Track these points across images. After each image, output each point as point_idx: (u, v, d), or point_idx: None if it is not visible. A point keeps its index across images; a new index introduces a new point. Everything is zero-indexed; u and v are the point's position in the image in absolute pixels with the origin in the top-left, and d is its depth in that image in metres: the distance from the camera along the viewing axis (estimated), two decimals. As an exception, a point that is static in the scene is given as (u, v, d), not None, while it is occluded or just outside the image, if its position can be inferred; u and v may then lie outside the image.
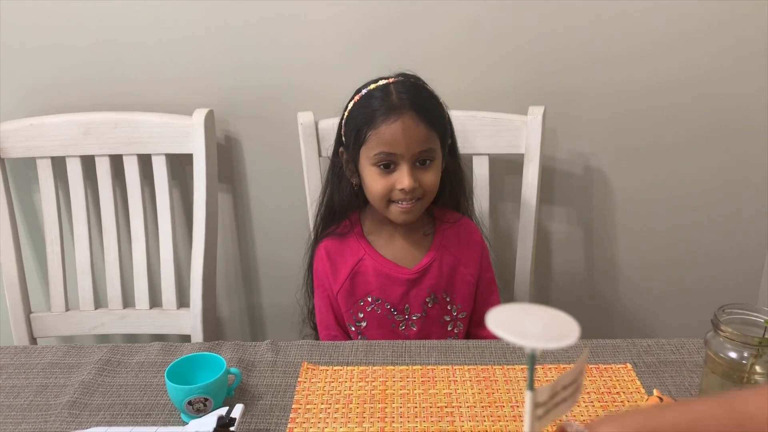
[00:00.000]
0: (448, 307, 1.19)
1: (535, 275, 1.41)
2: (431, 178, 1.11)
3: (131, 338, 1.54)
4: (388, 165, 1.08)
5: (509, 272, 1.40)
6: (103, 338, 1.50)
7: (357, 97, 1.12)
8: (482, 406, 0.86)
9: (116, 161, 1.39)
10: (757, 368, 0.76)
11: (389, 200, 1.11)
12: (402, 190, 1.07)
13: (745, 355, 0.76)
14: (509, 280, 1.40)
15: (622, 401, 0.87)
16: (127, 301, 1.45)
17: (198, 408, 0.83)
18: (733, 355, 0.77)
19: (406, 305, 1.17)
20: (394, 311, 1.17)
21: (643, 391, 0.89)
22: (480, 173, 1.36)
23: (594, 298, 1.58)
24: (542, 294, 1.58)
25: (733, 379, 0.77)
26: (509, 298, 1.40)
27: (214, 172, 1.40)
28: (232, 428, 0.74)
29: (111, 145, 1.37)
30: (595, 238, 1.53)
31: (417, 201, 1.10)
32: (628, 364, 0.94)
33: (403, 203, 1.10)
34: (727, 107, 1.41)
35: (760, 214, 1.50)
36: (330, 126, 1.30)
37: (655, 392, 0.75)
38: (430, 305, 1.17)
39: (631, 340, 0.99)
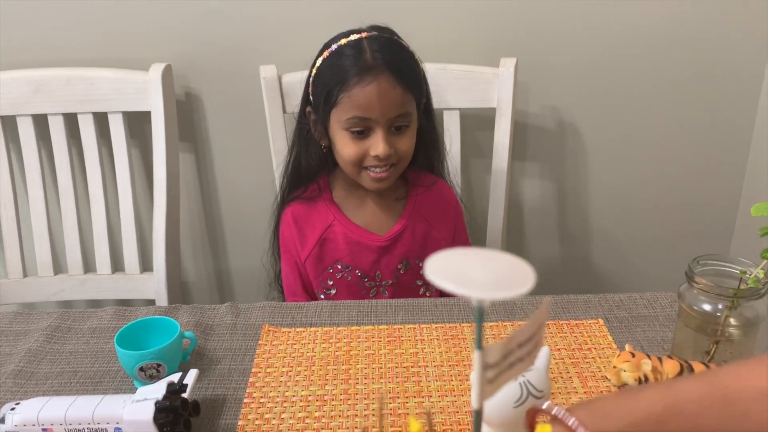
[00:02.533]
0: (421, 272, 1.15)
1: (507, 233, 1.38)
2: (407, 143, 1.05)
3: (94, 303, 1.49)
4: (362, 129, 1.01)
5: (481, 230, 1.37)
6: (65, 304, 1.45)
7: (326, 53, 1.04)
8: (449, 365, 0.83)
9: (71, 120, 1.33)
10: (732, 320, 0.73)
11: (362, 166, 1.05)
12: (376, 156, 1.01)
13: (720, 307, 0.73)
14: (481, 238, 1.37)
15: (593, 357, 0.84)
16: (88, 266, 1.40)
17: (150, 374, 0.79)
18: (707, 307, 0.74)
19: (378, 272, 1.13)
20: (365, 278, 1.12)
21: (615, 346, 0.86)
22: (451, 129, 1.32)
23: (567, 256, 1.56)
24: (514, 253, 1.54)
25: (706, 332, 0.75)
26: (482, 256, 1.37)
27: (174, 131, 1.34)
28: (184, 394, 0.70)
29: (64, 103, 1.31)
30: (568, 194, 1.50)
31: (391, 167, 1.05)
32: (599, 320, 0.91)
33: (377, 170, 1.04)
34: (702, 57, 1.37)
35: (734, 167, 1.48)
36: (295, 81, 1.24)
37: (627, 347, 0.72)
38: (402, 271, 1.13)
39: (602, 295, 0.96)
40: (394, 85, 0.99)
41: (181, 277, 1.46)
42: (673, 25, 1.34)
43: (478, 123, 1.39)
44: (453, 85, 1.29)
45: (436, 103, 1.22)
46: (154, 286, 1.36)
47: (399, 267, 1.13)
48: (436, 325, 0.91)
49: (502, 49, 1.31)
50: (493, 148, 1.31)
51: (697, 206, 1.51)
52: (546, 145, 1.45)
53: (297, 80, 1.22)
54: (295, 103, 1.17)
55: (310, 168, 1.12)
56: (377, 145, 1.01)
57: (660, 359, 0.71)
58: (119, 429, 0.68)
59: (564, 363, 0.83)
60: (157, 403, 0.67)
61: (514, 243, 1.53)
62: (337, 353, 0.86)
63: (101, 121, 1.32)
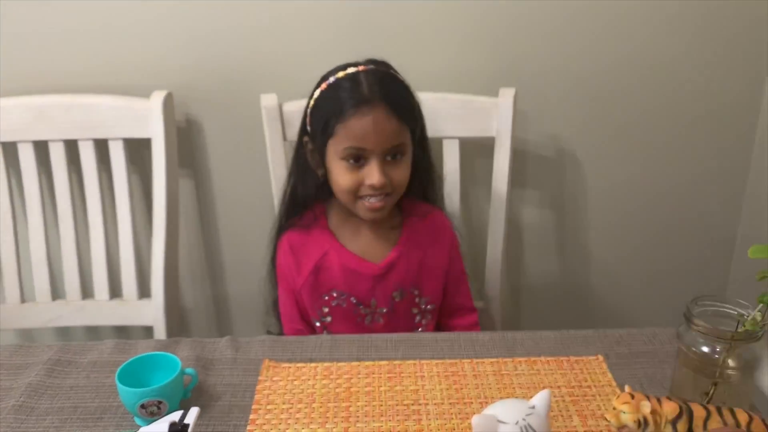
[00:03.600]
0: (416, 300, 1.16)
1: (506, 262, 1.39)
2: (401, 173, 1.06)
3: (91, 330, 1.49)
4: (357, 159, 1.03)
5: (480, 259, 1.38)
6: (62, 330, 1.45)
7: (324, 85, 1.06)
8: (450, 403, 0.83)
9: (71, 146, 1.33)
10: (730, 362, 0.74)
11: (357, 196, 1.06)
12: (371, 186, 1.03)
13: (718, 349, 0.74)
14: (480, 265, 1.37)
15: (593, 395, 0.85)
16: (86, 291, 1.40)
17: (152, 411, 0.79)
18: (705, 349, 0.75)
19: (373, 299, 1.13)
20: (360, 305, 1.13)
21: (614, 384, 0.86)
22: (450, 158, 1.33)
23: (566, 285, 1.57)
24: (513, 282, 1.56)
25: (705, 373, 0.75)
26: (480, 286, 1.37)
27: (174, 158, 1.34)
28: (185, 434, 0.70)
29: (65, 129, 1.31)
30: (567, 223, 1.51)
31: (386, 197, 1.06)
32: (599, 356, 0.92)
33: (372, 200, 1.05)
34: (702, 91, 1.39)
35: (732, 201, 1.49)
36: (295, 109, 1.25)
37: (627, 388, 0.72)
38: (397, 299, 1.14)
39: (602, 331, 0.97)
40: (389, 117, 1.01)
41: (180, 303, 1.46)
42: (670, 57, 1.35)
43: (478, 150, 1.40)
44: (452, 115, 1.30)
45: (436, 131, 1.24)
46: (152, 312, 1.36)
47: (394, 295, 1.13)
48: (437, 361, 0.91)
49: (501, 78, 1.33)
50: (492, 175, 1.32)
51: (697, 236, 1.52)
52: (545, 173, 1.46)
53: (297, 109, 1.22)
54: (295, 131, 1.18)
55: (307, 196, 1.13)
56: (372, 174, 1.02)
57: (659, 400, 0.71)
58: (121, 470, 0.68)
59: (564, 401, 0.84)
60: (159, 445, 0.67)
61: (513, 270, 1.54)
62: (337, 389, 0.86)
63: (101, 147, 1.33)
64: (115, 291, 1.39)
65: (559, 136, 1.43)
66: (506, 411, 0.65)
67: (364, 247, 1.14)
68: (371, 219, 1.09)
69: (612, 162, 1.45)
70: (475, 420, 0.63)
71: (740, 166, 1.45)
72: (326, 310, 1.14)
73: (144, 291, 1.38)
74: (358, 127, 1.00)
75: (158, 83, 1.32)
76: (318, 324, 1.15)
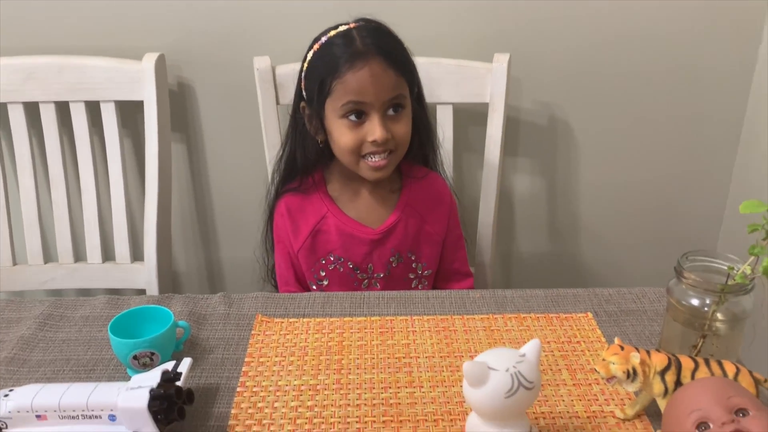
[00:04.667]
0: (413, 266, 1.16)
1: (497, 227, 1.39)
2: (403, 128, 1.05)
3: (84, 293, 1.49)
4: (358, 115, 1.02)
5: (472, 224, 1.38)
6: (55, 293, 1.45)
7: (316, 46, 1.05)
8: (441, 356, 0.84)
9: (62, 108, 1.32)
10: (719, 315, 0.75)
11: (360, 155, 1.05)
12: (374, 141, 1.02)
13: (707, 302, 0.75)
14: (472, 232, 1.38)
15: (582, 350, 0.86)
16: (79, 254, 1.39)
17: (144, 362, 0.80)
18: (695, 302, 0.76)
19: (370, 264, 1.13)
20: (357, 270, 1.13)
21: (603, 339, 0.87)
22: (444, 124, 1.32)
23: (556, 250, 1.57)
24: (505, 248, 1.56)
25: (694, 326, 0.76)
26: (471, 251, 1.38)
27: (166, 121, 1.34)
28: (178, 382, 0.70)
29: (56, 91, 1.30)
30: (558, 189, 1.51)
31: (389, 154, 1.05)
32: (588, 313, 0.93)
33: (375, 158, 1.04)
34: (694, 54, 1.38)
35: (722, 163, 1.49)
36: (289, 72, 1.24)
37: (616, 340, 0.73)
38: (394, 264, 1.14)
39: (592, 290, 0.98)
40: (385, 69, 1.00)
41: (172, 268, 1.46)
42: (665, 21, 1.35)
43: (471, 118, 1.39)
44: (446, 80, 1.29)
45: (429, 97, 1.23)
46: (145, 276, 1.36)
47: (391, 260, 1.14)
48: (428, 317, 0.92)
49: (496, 44, 1.32)
50: (485, 142, 1.32)
51: (686, 202, 1.53)
52: (538, 141, 1.46)
53: (291, 72, 1.22)
54: (288, 94, 1.17)
55: (307, 163, 1.12)
56: (374, 129, 1.01)
57: (648, 352, 0.72)
58: (113, 416, 0.69)
59: (553, 355, 0.85)
60: (151, 391, 0.67)
61: (505, 237, 1.55)
62: (329, 343, 0.87)
63: (93, 110, 1.32)
64: (107, 254, 1.39)
65: (552, 103, 1.43)
66: (497, 358, 0.65)
67: (363, 212, 1.13)
68: (375, 179, 1.08)
69: (605, 129, 1.45)
70: (466, 366, 0.64)
71: (733, 127, 1.45)
72: (323, 273, 1.14)
73: (137, 254, 1.38)
74: (355, 81, 0.99)
75: (150, 45, 1.31)
76: (314, 288, 1.15)
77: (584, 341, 0.87)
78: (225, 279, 1.57)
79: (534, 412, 0.76)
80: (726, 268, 0.74)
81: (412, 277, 1.16)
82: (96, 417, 0.69)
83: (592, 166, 1.49)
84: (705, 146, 1.47)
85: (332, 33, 1.04)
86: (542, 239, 1.56)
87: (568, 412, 0.76)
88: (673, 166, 1.49)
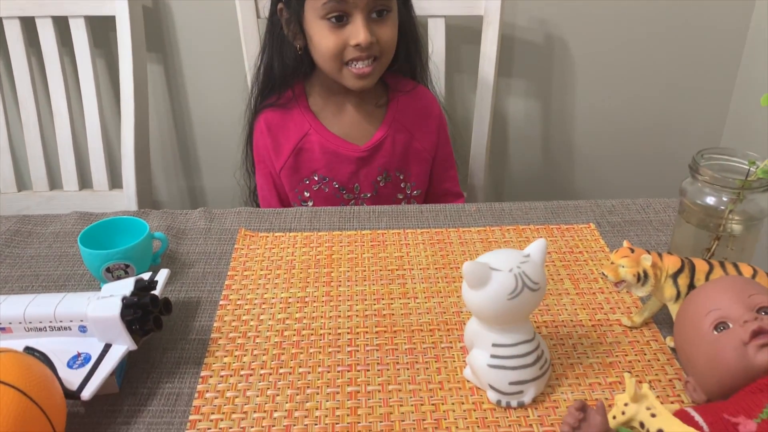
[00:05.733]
0: (402, 185, 1.10)
1: (491, 152, 1.33)
2: (389, 32, 0.98)
3: (61, 223, 1.42)
4: (340, 17, 0.94)
5: (465, 144, 1.32)
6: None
7: None
8: (436, 268, 0.79)
9: (28, 25, 1.23)
10: (735, 216, 0.70)
11: (342, 62, 0.98)
12: (357, 45, 0.94)
13: (724, 199, 0.69)
14: (465, 152, 1.32)
15: (585, 260, 0.81)
16: (54, 182, 1.33)
17: (118, 275, 0.74)
18: (710, 201, 0.71)
19: (356, 184, 1.07)
20: (343, 190, 1.07)
21: (607, 249, 0.83)
22: (436, 38, 1.25)
23: (551, 175, 1.53)
24: (498, 169, 1.51)
25: (708, 228, 0.71)
26: (465, 174, 1.32)
27: (140, 38, 1.26)
28: (154, 291, 0.65)
29: (20, 5, 1.22)
30: (553, 112, 1.45)
31: (374, 61, 0.98)
32: (591, 224, 0.88)
33: (359, 64, 0.97)
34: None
35: (722, 84, 1.44)
36: (269, -19, 1.16)
37: (625, 243, 0.68)
38: (382, 184, 1.08)
39: (594, 201, 0.92)
40: None
41: (152, 195, 1.40)
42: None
43: (465, 34, 1.32)
44: (438, -10, 1.21)
45: (421, 9, 1.15)
46: (124, 203, 1.30)
47: (378, 179, 1.08)
48: (422, 230, 0.87)
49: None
50: (478, 61, 1.25)
51: (685, 121, 1.48)
52: (533, 60, 1.39)
53: (272, -19, 1.13)
54: (266, 5, 1.09)
55: (285, 73, 1.05)
56: (357, 32, 0.94)
57: (660, 255, 0.67)
58: (84, 327, 0.63)
59: (555, 265, 0.80)
60: (124, 299, 0.62)
61: (498, 158, 1.49)
62: (318, 257, 0.82)
63: (62, 26, 1.23)
64: (84, 181, 1.32)
65: (548, 21, 1.36)
66: (499, 259, 0.60)
67: (347, 128, 1.07)
68: (359, 88, 1.01)
69: (602, 48, 1.39)
70: (466, 266, 0.58)
71: (733, 51, 1.39)
72: (307, 194, 1.08)
73: (115, 181, 1.32)
74: None
75: (120, -46, 1.22)
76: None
77: (587, 251, 0.82)
78: (208, 205, 1.51)
79: (536, 321, 0.71)
80: (745, 165, 0.69)
81: (400, 197, 1.11)
82: (65, 329, 0.64)
83: (589, 86, 1.43)
84: (706, 58, 1.41)
85: None
86: (537, 162, 1.51)
87: (572, 320, 0.71)
88: (672, 84, 1.44)
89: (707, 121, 1.47)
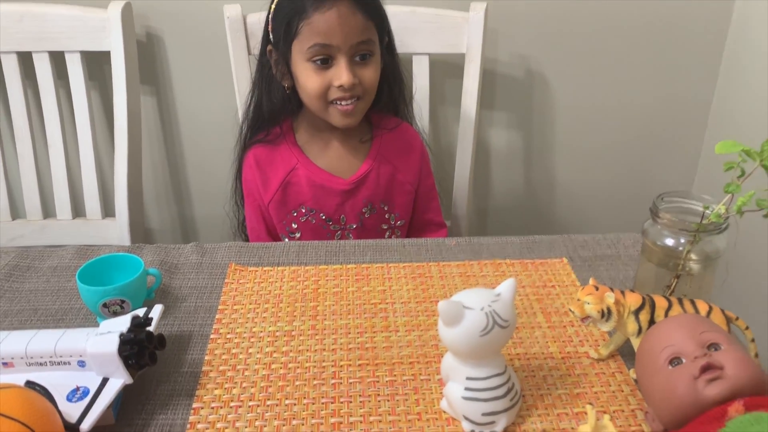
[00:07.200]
0: (386, 216, 1.15)
1: (473, 183, 1.38)
2: (371, 74, 1.03)
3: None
4: (325, 60, 1.00)
5: (448, 179, 1.37)
6: (24, 250, 1.42)
7: None
8: (416, 302, 0.84)
9: (25, 59, 1.27)
10: (693, 256, 0.75)
11: (327, 101, 1.03)
12: (341, 86, 1.00)
13: (682, 242, 0.75)
14: (448, 188, 1.37)
15: (557, 294, 0.86)
16: (48, 211, 1.37)
17: (114, 311, 0.78)
18: (669, 242, 0.76)
19: (342, 215, 1.12)
20: (330, 222, 1.12)
21: (578, 284, 0.88)
22: (420, 75, 1.30)
23: (531, 206, 1.58)
24: (480, 202, 1.56)
25: (668, 267, 0.76)
26: (448, 205, 1.37)
27: (134, 72, 1.30)
28: (149, 327, 0.69)
29: (18, 40, 1.26)
30: (534, 143, 1.51)
31: (357, 101, 1.03)
32: (564, 259, 0.93)
33: (343, 103, 1.02)
34: (671, 14, 1.37)
35: (695, 124, 1.50)
36: (259, 20, 1.21)
37: (591, 281, 0.73)
38: (367, 215, 1.13)
39: (567, 236, 0.97)
40: (354, 11, 0.98)
41: (144, 224, 1.44)
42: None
43: (447, 70, 1.37)
44: (422, 29, 1.27)
45: (406, 47, 1.21)
46: (117, 231, 1.33)
47: (364, 210, 1.12)
48: (404, 264, 0.91)
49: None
50: (461, 95, 1.31)
51: (661, 155, 1.54)
52: (514, 94, 1.45)
53: (262, 20, 1.18)
54: (258, 43, 1.14)
55: (273, 111, 1.10)
56: (341, 74, 0.99)
57: (623, 292, 0.72)
58: (83, 362, 0.67)
59: (528, 299, 0.85)
60: (121, 336, 0.66)
61: (481, 191, 1.54)
62: (305, 291, 0.86)
63: (58, 60, 1.27)
64: (78, 210, 1.36)
65: (528, 56, 1.41)
66: (472, 298, 0.65)
67: (333, 162, 1.12)
68: (344, 125, 1.06)
69: (581, 82, 1.44)
70: (441, 305, 0.63)
71: (707, 86, 1.45)
72: (295, 226, 1.13)
73: (108, 210, 1.36)
74: (322, 22, 0.97)
75: (116, -8, 1.27)
76: (286, 240, 1.14)
77: (559, 285, 0.87)
78: (199, 234, 1.55)
79: (509, 354, 0.76)
80: (701, 208, 0.74)
81: (385, 227, 1.15)
82: (65, 363, 0.68)
83: (568, 119, 1.48)
84: (680, 97, 1.47)
85: None
86: (518, 192, 1.56)
87: (543, 353, 0.76)
88: (649, 118, 1.49)
89: (682, 156, 1.53)
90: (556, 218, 1.59)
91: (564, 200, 1.57)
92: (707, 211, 0.72)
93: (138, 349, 0.66)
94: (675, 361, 0.62)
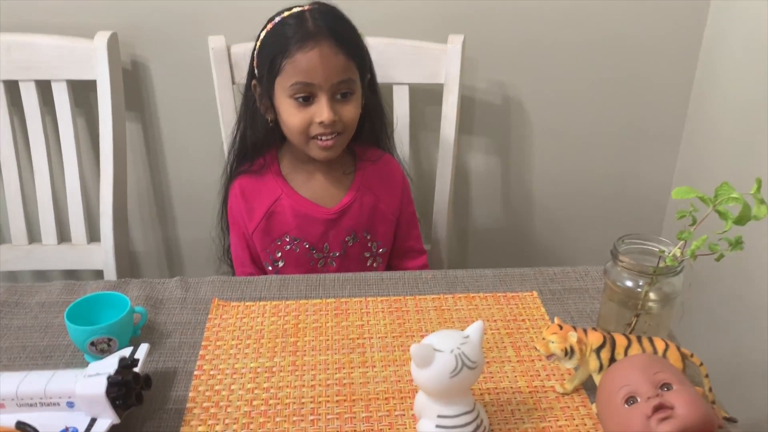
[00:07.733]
0: (369, 245, 1.18)
1: (453, 207, 1.43)
2: (351, 111, 1.07)
3: (40, 275, 1.48)
4: (306, 98, 1.04)
5: (428, 204, 1.41)
6: (10, 275, 1.44)
7: (270, 26, 1.06)
8: (393, 336, 0.88)
9: (12, 88, 1.30)
10: (651, 295, 0.79)
11: (308, 136, 1.07)
12: (321, 123, 1.04)
13: (641, 283, 0.79)
14: (428, 212, 1.41)
15: (527, 328, 0.90)
16: (33, 236, 1.39)
17: (102, 348, 0.81)
18: (629, 283, 0.80)
19: (325, 244, 1.15)
20: (313, 250, 1.15)
21: (547, 318, 0.92)
22: (400, 104, 1.34)
23: (509, 229, 1.62)
24: (460, 226, 1.60)
25: (628, 306, 0.81)
26: (428, 230, 1.41)
27: (120, 100, 1.33)
28: (135, 368, 0.72)
29: (5, 70, 1.28)
30: (512, 168, 1.55)
31: (338, 136, 1.07)
32: (534, 292, 0.97)
33: (324, 138, 1.06)
34: (644, 43, 1.43)
35: (669, 149, 1.55)
36: (243, 51, 1.24)
37: (556, 320, 0.77)
38: (350, 244, 1.16)
39: (538, 269, 1.02)
40: (336, 51, 1.02)
41: (130, 248, 1.47)
42: (616, 5, 1.38)
43: (427, 97, 1.41)
44: (402, 60, 1.31)
45: (386, 77, 1.25)
46: (102, 256, 1.36)
47: (347, 239, 1.16)
48: (382, 298, 0.95)
49: (450, 25, 1.34)
50: (441, 121, 1.35)
51: (633, 184, 1.59)
52: (492, 120, 1.49)
53: (246, 51, 1.22)
54: (244, 74, 1.17)
55: (257, 142, 1.14)
56: (321, 111, 1.03)
57: (585, 331, 0.76)
58: (71, 403, 0.70)
59: (499, 333, 0.89)
60: (109, 378, 0.69)
61: (460, 214, 1.58)
62: (285, 326, 0.89)
63: (44, 89, 1.30)
64: (63, 235, 1.38)
65: (506, 83, 1.46)
66: (442, 340, 0.69)
67: (317, 192, 1.15)
68: (324, 158, 1.10)
69: (557, 109, 1.49)
70: (413, 349, 0.67)
71: (678, 114, 1.51)
72: (279, 254, 1.16)
73: (93, 235, 1.38)
74: (305, 61, 1.01)
75: (102, 23, 1.30)
76: (270, 269, 1.17)
77: (529, 319, 0.91)
78: (183, 259, 1.58)
79: (480, 389, 0.80)
80: (658, 250, 0.79)
81: (367, 255, 1.19)
82: (54, 404, 0.71)
83: (545, 145, 1.53)
84: (654, 128, 1.52)
85: (286, 14, 1.06)
86: (497, 215, 1.60)
87: (511, 387, 0.80)
88: (623, 140, 1.54)
89: (655, 178, 1.58)
90: (535, 239, 1.63)
91: (542, 222, 1.62)
92: (663, 255, 0.77)
93: (125, 390, 0.70)
94: (631, 400, 0.66)
